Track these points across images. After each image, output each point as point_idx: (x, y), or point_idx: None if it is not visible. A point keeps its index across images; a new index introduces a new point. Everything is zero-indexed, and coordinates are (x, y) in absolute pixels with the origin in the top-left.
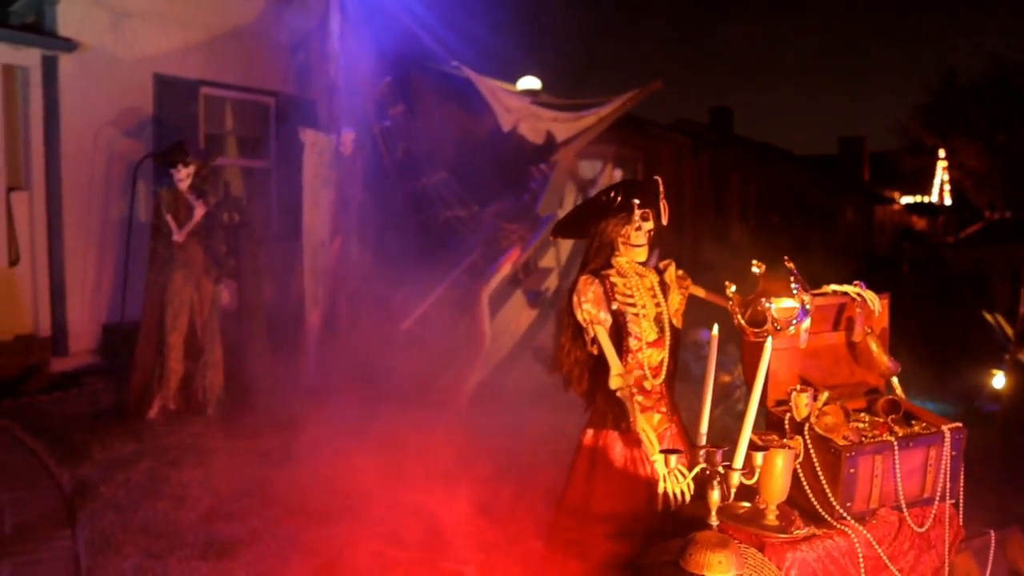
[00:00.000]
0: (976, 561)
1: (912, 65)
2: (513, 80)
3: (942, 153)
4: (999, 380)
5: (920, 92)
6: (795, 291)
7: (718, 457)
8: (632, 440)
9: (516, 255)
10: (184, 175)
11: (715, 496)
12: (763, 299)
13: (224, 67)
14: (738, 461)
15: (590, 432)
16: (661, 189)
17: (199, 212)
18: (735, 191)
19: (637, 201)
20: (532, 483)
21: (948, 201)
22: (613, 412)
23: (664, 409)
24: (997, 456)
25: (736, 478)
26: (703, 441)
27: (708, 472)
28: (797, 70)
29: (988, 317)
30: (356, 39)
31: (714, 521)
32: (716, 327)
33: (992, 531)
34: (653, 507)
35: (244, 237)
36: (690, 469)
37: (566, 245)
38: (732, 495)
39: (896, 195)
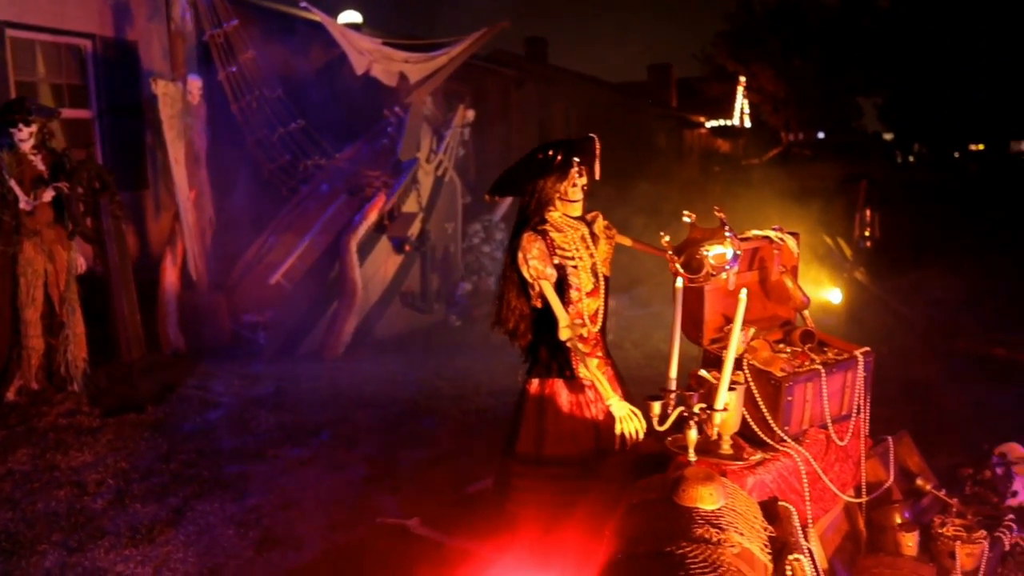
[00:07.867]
0: (881, 463)
1: None
2: (333, 15)
3: (742, 79)
4: (836, 295)
5: (721, 20)
6: (728, 239)
7: (694, 400)
8: (577, 386)
9: (381, 202)
10: (26, 134)
11: (692, 435)
12: (699, 247)
13: (32, 7)
14: (720, 402)
15: (535, 382)
16: (598, 148)
17: (48, 194)
18: (558, 120)
19: (577, 160)
20: (435, 430)
21: (748, 124)
22: (557, 361)
23: (600, 354)
24: None
25: (719, 418)
26: (673, 386)
27: (686, 414)
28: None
29: (827, 240)
30: None
31: (692, 457)
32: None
33: (889, 437)
34: (602, 447)
35: (106, 200)
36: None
37: (426, 189)
38: (715, 433)
39: (702, 119)
